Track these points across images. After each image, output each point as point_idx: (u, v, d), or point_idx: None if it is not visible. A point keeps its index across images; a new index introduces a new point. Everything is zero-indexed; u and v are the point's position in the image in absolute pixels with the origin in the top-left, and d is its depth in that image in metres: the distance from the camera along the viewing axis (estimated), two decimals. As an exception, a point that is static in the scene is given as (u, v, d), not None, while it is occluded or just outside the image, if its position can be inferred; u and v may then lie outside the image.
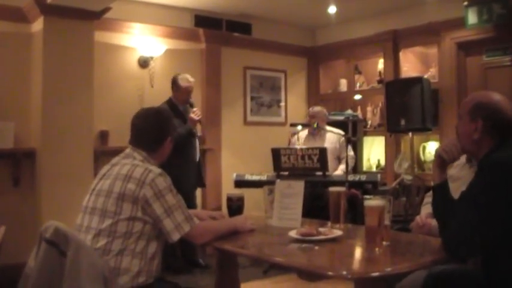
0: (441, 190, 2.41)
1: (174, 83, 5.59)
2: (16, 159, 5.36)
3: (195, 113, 5.51)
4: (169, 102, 5.54)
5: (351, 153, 5.88)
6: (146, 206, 2.45)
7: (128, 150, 2.71)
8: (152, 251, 2.50)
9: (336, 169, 5.82)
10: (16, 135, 5.38)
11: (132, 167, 2.54)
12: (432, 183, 2.46)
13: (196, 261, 5.72)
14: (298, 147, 5.61)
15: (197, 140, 5.75)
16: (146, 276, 2.46)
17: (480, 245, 2.19)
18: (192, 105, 5.63)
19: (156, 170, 2.54)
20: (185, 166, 5.44)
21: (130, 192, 2.45)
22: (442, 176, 2.44)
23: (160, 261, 2.57)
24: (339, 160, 5.91)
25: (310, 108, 6.15)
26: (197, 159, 5.73)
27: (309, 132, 6.07)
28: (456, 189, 2.39)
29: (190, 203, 5.50)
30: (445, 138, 6.33)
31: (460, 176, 2.73)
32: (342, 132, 5.84)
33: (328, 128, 5.94)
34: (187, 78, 5.59)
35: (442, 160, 2.45)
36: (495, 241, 2.18)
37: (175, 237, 2.48)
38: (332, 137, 5.91)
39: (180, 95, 5.57)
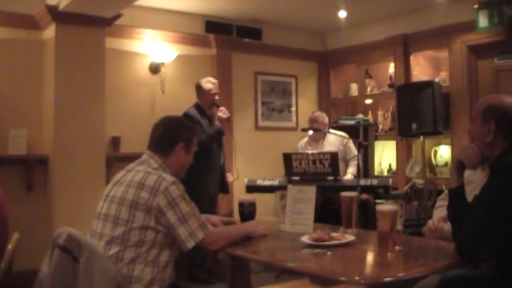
0: (458, 194, 2.42)
1: (199, 87, 5.55)
2: (29, 165, 5.39)
3: (223, 112, 5.43)
4: (197, 105, 5.51)
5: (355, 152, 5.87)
6: (160, 215, 2.44)
7: (144, 156, 2.71)
8: (165, 259, 2.49)
9: (343, 172, 5.75)
10: (29, 141, 5.41)
11: (146, 175, 2.53)
12: (444, 187, 2.46)
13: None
14: (309, 152, 5.60)
15: (222, 142, 5.65)
16: (159, 284, 2.45)
17: (494, 247, 2.18)
18: (218, 106, 5.53)
19: (170, 178, 2.53)
20: (210, 169, 5.38)
21: (144, 200, 2.44)
22: (460, 180, 2.45)
23: (173, 269, 2.57)
24: (344, 162, 5.85)
25: (312, 114, 6.15)
26: (222, 162, 5.64)
27: (309, 137, 6.07)
28: (469, 193, 2.41)
29: (214, 208, 5.48)
30: (456, 142, 6.31)
31: (473, 179, 2.71)
32: (345, 135, 5.89)
33: (332, 131, 5.93)
34: (210, 81, 5.57)
35: (461, 164, 2.45)
36: (509, 243, 2.17)
37: (190, 245, 2.47)
38: (333, 140, 5.90)
39: (205, 98, 5.51)
